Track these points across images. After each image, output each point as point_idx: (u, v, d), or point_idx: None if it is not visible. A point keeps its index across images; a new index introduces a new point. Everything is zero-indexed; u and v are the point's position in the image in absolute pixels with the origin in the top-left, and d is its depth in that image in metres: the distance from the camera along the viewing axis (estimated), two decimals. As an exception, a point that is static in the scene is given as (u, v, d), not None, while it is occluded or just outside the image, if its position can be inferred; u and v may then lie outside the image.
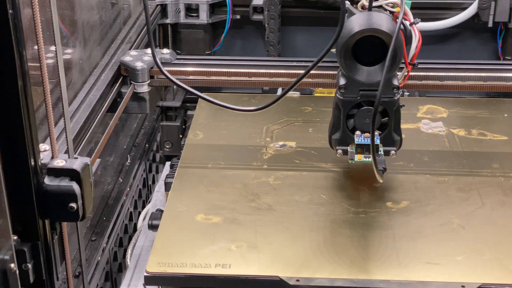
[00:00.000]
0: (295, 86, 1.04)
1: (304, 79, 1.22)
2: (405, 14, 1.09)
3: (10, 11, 0.73)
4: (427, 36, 1.60)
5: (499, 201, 1.12)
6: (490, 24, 1.55)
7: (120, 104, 1.18)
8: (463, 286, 0.95)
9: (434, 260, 0.99)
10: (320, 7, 1.58)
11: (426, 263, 0.99)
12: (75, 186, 0.84)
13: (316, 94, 1.57)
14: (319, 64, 1.21)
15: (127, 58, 1.23)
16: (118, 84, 1.21)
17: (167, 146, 1.67)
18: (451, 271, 0.97)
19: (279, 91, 1.60)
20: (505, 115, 1.38)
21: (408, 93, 1.54)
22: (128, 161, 1.41)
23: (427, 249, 1.02)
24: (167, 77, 1.13)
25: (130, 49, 1.31)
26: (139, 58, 1.23)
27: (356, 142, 1.10)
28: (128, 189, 1.34)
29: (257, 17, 1.58)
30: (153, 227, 1.20)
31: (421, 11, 1.56)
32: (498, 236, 1.04)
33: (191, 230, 1.07)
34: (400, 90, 1.10)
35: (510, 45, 1.58)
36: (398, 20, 1.01)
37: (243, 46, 1.67)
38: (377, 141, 1.09)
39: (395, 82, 1.09)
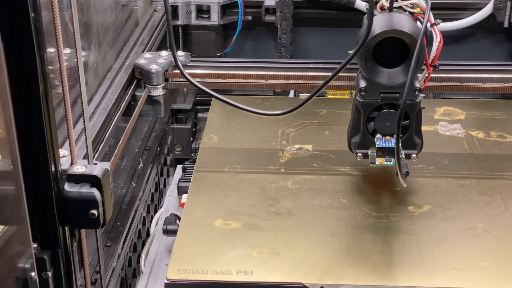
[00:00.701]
0: (322, 89, 1.02)
1: (316, 81, 1.21)
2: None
3: (32, 14, 0.71)
4: (442, 37, 1.58)
5: (523, 204, 1.10)
6: (506, 25, 1.53)
7: (136, 107, 1.16)
8: (490, 292, 0.93)
9: (460, 266, 0.98)
10: (333, 8, 1.56)
11: (452, 269, 0.97)
12: (96, 192, 0.83)
13: (328, 96, 1.55)
14: (330, 66, 1.21)
15: (141, 61, 1.21)
16: (132, 87, 1.19)
17: (178, 149, 1.65)
18: (478, 278, 0.95)
19: (291, 94, 1.59)
20: (524, 116, 1.37)
21: (424, 95, 1.52)
22: (141, 164, 1.39)
23: (452, 254, 1.00)
24: (190, 81, 1.12)
25: (143, 51, 1.29)
26: (154, 61, 1.21)
27: (377, 146, 1.08)
28: (141, 193, 1.32)
29: (269, 18, 1.56)
30: (168, 232, 1.18)
31: (436, 11, 1.53)
32: (524, 241, 1.02)
33: (210, 236, 1.05)
34: (422, 92, 1.08)
35: (525, 45, 1.56)
36: (424, 22, 0.99)
37: (255, 47, 1.65)
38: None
39: (417, 84, 1.07)
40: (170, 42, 1.09)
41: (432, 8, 1.54)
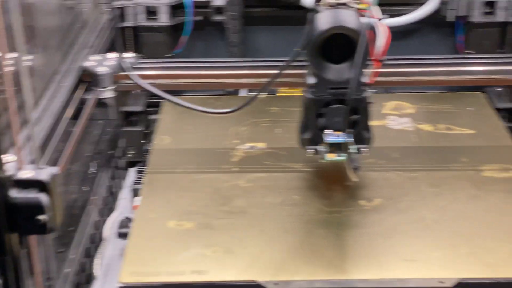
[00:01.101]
0: (269, 86, 1.02)
1: (267, 79, 1.21)
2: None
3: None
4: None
5: (470, 194, 1.12)
6: (451, 19, 1.56)
7: (85, 111, 1.15)
8: (441, 282, 0.95)
9: (411, 257, 0.99)
10: (283, 6, 1.57)
11: (404, 260, 0.99)
12: (43, 197, 0.81)
13: (279, 94, 1.56)
14: (280, 64, 1.21)
15: (89, 64, 1.20)
16: (81, 90, 1.18)
17: (130, 152, 1.64)
18: (428, 267, 0.97)
19: (243, 92, 1.59)
20: (470, 108, 1.39)
21: (375, 90, 1.54)
22: (92, 168, 1.37)
23: (403, 246, 1.01)
24: (137, 83, 1.10)
25: (91, 54, 1.28)
26: (102, 63, 1.20)
27: (327, 141, 1.09)
28: (94, 197, 1.31)
29: (218, 18, 1.56)
30: (122, 235, 1.17)
31: (383, 7, 1.55)
32: (473, 230, 1.04)
33: (164, 237, 1.04)
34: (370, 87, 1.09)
35: (470, 38, 1.59)
36: (368, 16, 1.00)
37: (205, 47, 1.65)
38: (349, 139, 1.08)
39: (364, 80, 1.08)
40: (117, 44, 1.08)
41: (379, 4, 1.57)
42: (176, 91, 1.46)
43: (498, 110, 1.57)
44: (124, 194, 1.40)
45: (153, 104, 1.63)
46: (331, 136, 1.09)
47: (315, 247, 1.01)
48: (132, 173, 1.46)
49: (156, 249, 1.02)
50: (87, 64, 1.20)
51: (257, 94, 1.04)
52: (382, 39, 1.09)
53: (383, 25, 1.09)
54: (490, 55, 1.40)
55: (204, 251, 1.01)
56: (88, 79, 1.20)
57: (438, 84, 1.22)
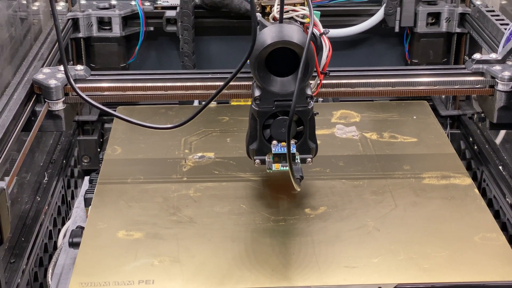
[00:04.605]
0: (212, 100, 1.05)
1: (225, 91, 1.24)
2: (315, 25, 1.12)
3: None
4: (337, 43, 1.65)
5: (411, 202, 1.17)
6: (397, 29, 1.61)
7: (35, 123, 1.17)
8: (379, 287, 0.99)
9: (351, 264, 1.03)
10: (233, 17, 1.60)
11: (344, 267, 1.02)
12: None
13: (232, 103, 1.59)
14: (229, 76, 1.24)
15: (40, 76, 1.21)
16: (32, 102, 1.20)
17: (85, 161, 1.66)
18: (368, 273, 1.01)
19: (196, 102, 1.62)
20: (414, 117, 1.44)
21: (322, 99, 1.58)
22: (46, 178, 1.39)
23: (345, 253, 1.05)
24: (82, 98, 1.13)
25: (42, 66, 1.30)
26: (53, 76, 1.21)
27: (273, 152, 1.12)
28: (47, 207, 1.32)
29: (170, 28, 1.59)
30: (74, 245, 1.19)
31: (330, 18, 1.61)
32: (411, 236, 1.09)
33: (113, 247, 1.06)
34: (314, 98, 1.13)
35: (416, 48, 1.64)
36: (309, 32, 1.04)
37: (158, 57, 1.67)
38: (293, 149, 1.12)
39: (308, 92, 1.12)
40: (61, 57, 1.09)
41: (326, 15, 1.62)
42: (130, 102, 1.49)
43: (443, 117, 1.63)
44: (79, 203, 1.42)
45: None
46: (277, 147, 1.13)
47: (260, 256, 1.05)
48: (86, 181, 1.48)
49: (105, 259, 1.04)
50: (38, 77, 1.21)
51: (200, 111, 1.07)
52: (325, 53, 1.13)
53: (325, 39, 1.12)
54: (432, 66, 1.45)
55: (151, 260, 1.03)
56: (39, 92, 1.21)
57: (382, 95, 1.26)
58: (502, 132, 1.51)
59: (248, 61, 1.08)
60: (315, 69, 1.10)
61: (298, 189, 1.10)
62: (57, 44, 1.41)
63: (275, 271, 1.01)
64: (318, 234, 1.09)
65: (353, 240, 1.08)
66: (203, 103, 1.12)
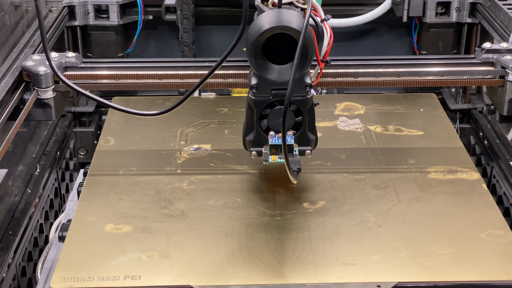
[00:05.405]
0: (199, 87, 1.01)
1: (221, 80, 1.19)
2: (315, 10, 1.07)
3: None
4: (343, 33, 1.59)
5: (415, 197, 1.11)
6: (405, 19, 1.55)
7: (22, 111, 1.12)
8: (378, 286, 0.93)
9: (350, 261, 0.97)
10: (234, 5, 1.55)
11: (342, 264, 0.97)
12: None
13: (233, 95, 1.54)
14: (235, 64, 1.19)
15: (29, 63, 1.17)
16: (20, 90, 1.15)
17: (82, 153, 1.61)
18: (367, 271, 0.96)
19: (195, 93, 1.57)
20: (421, 110, 1.39)
21: (326, 91, 1.53)
22: (38, 170, 1.35)
23: (343, 249, 1.00)
24: (64, 82, 1.08)
25: (33, 53, 1.25)
26: (42, 63, 1.17)
27: (270, 143, 1.07)
28: (37, 199, 1.28)
29: (170, 17, 1.54)
30: (63, 239, 1.14)
31: (335, 7, 1.55)
32: (414, 233, 1.03)
33: (99, 242, 1.02)
34: (314, 88, 1.08)
35: (425, 39, 1.59)
36: (306, 16, 0.98)
37: (157, 47, 1.63)
38: (292, 141, 1.06)
39: (308, 80, 1.06)
40: (43, 43, 1.05)
41: (332, 4, 1.56)
42: (128, 92, 1.44)
43: (452, 111, 1.57)
44: (73, 196, 1.38)
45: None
46: (274, 138, 1.08)
47: (254, 251, 1.00)
48: (81, 174, 1.44)
49: (91, 254, 0.99)
50: (27, 63, 1.17)
51: (185, 98, 1.02)
52: (326, 40, 1.08)
53: (327, 25, 1.07)
54: (442, 55, 1.39)
55: (139, 255, 0.98)
56: (28, 79, 1.17)
57: (386, 86, 1.20)
58: (514, 126, 1.45)
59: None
60: (315, 57, 1.05)
61: (295, 182, 1.04)
62: (50, 30, 1.36)
63: (268, 268, 0.96)
64: (316, 229, 1.04)
65: (353, 236, 1.03)
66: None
